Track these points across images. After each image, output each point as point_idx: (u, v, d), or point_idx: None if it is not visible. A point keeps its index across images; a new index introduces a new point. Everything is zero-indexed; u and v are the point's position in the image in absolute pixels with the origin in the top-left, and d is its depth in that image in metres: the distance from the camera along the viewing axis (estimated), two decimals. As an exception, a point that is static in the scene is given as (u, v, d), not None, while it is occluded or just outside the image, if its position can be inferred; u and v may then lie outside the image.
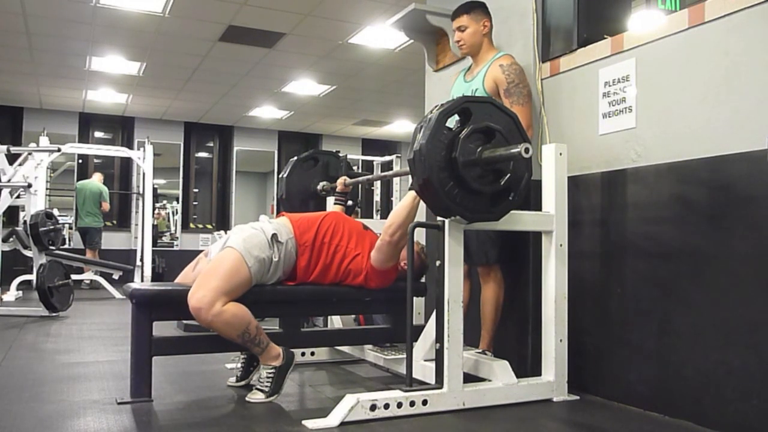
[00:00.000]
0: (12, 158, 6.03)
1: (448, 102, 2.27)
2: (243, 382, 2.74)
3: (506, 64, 2.81)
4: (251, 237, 2.53)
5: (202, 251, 2.87)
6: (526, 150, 2.11)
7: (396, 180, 8.46)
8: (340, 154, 3.67)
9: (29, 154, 6.16)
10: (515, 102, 2.73)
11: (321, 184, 3.55)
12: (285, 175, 3.53)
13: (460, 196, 2.20)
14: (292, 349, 2.57)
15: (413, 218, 2.58)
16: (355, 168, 4.74)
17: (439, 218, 2.34)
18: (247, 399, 2.46)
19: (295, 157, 3.61)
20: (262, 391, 2.47)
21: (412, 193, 2.50)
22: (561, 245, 2.56)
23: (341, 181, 3.34)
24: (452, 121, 2.28)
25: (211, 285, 2.36)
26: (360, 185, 3.63)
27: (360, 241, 2.74)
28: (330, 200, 3.47)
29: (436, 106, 2.24)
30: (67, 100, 9.36)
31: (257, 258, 2.48)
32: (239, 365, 2.78)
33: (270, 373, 2.47)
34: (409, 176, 2.27)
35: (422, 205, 2.53)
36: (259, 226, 2.61)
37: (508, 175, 2.24)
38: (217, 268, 2.44)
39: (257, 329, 2.43)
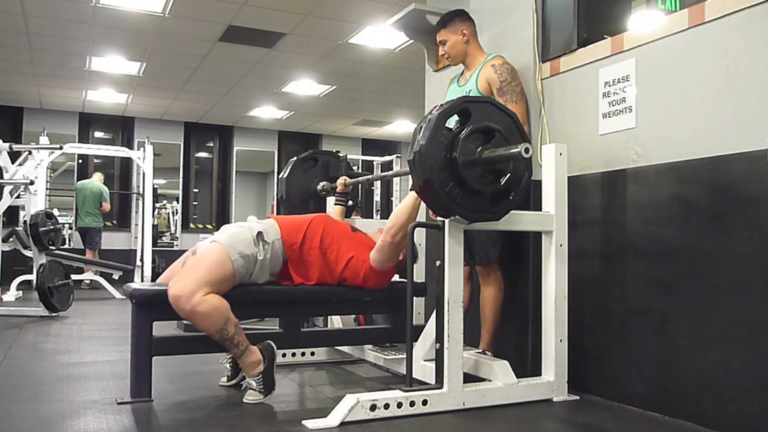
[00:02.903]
0: (13, 157, 6.04)
1: (447, 102, 2.28)
2: (234, 381, 2.74)
3: (498, 64, 2.84)
4: (236, 234, 2.54)
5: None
6: (526, 150, 2.11)
7: (396, 180, 8.47)
8: (340, 154, 3.67)
9: (29, 153, 6.16)
10: (509, 100, 2.76)
11: (321, 184, 3.55)
12: (285, 176, 3.53)
13: (460, 196, 2.20)
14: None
15: (414, 219, 2.59)
16: (355, 168, 4.74)
17: (439, 218, 2.34)
18: (243, 400, 2.46)
19: (295, 158, 3.60)
20: (257, 392, 2.46)
21: (413, 193, 2.49)
22: (561, 245, 2.56)
23: (341, 182, 3.34)
24: (452, 122, 2.28)
25: (193, 275, 2.34)
26: (360, 185, 3.62)
27: (351, 244, 2.73)
28: (330, 200, 3.47)
29: (435, 107, 2.25)
30: (67, 100, 9.36)
31: (241, 254, 2.47)
32: (228, 365, 2.77)
33: (258, 380, 2.45)
34: (409, 176, 2.28)
35: (422, 205, 2.53)
36: (246, 225, 2.61)
37: (509, 174, 2.24)
38: (201, 260, 2.43)
39: (236, 328, 2.38)
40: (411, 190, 2.44)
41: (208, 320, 2.33)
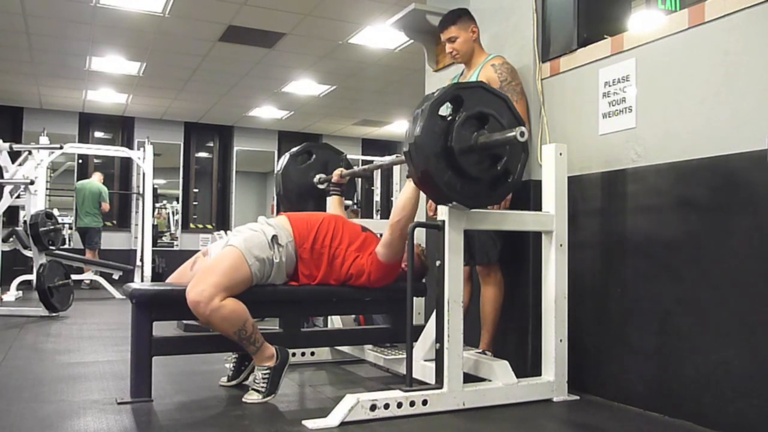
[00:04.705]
0: (13, 157, 6.04)
1: (438, 90, 2.26)
2: (234, 382, 2.74)
3: (498, 63, 2.85)
4: (252, 237, 2.54)
5: (199, 251, 2.87)
6: (522, 134, 2.10)
7: (396, 180, 8.47)
8: (340, 154, 3.64)
9: (29, 153, 6.16)
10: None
11: (317, 176, 3.51)
12: (280, 171, 3.48)
13: (459, 184, 2.20)
14: (287, 348, 2.56)
15: (417, 206, 2.63)
16: (354, 168, 4.70)
17: (439, 209, 2.33)
18: (243, 400, 2.46)
19: (288, 153, 3.56)
20: (258, 391, 2.46)
21: (412, 183, 2.50)
22: (561, 245, 2.56)
23: (337, 173, 3.33)
24: (446, 111, 2.27)
25: (210, 280, 2.37)
26: (359, 185, 3.60)
27: (361, 244, 2.73)
28: (330, 200, 3.44)
29: (426, 97, 2.24)
30: (67, 100, 9.36)
31: (258, 258, 2.48)
32: (231, 365, 2.78)
33: (265, 373, 2.47)
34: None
35: (422, 199, 2.54)
36: (258, 227, 2.61)
37: (505, 158, 2.24)
38: (218, 264, 2.44)
39: (253, 327, 2.43)
40: (408, 177, 2.45)
41: (226, 323, 2.38)
